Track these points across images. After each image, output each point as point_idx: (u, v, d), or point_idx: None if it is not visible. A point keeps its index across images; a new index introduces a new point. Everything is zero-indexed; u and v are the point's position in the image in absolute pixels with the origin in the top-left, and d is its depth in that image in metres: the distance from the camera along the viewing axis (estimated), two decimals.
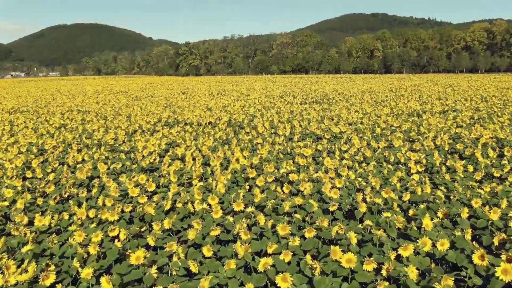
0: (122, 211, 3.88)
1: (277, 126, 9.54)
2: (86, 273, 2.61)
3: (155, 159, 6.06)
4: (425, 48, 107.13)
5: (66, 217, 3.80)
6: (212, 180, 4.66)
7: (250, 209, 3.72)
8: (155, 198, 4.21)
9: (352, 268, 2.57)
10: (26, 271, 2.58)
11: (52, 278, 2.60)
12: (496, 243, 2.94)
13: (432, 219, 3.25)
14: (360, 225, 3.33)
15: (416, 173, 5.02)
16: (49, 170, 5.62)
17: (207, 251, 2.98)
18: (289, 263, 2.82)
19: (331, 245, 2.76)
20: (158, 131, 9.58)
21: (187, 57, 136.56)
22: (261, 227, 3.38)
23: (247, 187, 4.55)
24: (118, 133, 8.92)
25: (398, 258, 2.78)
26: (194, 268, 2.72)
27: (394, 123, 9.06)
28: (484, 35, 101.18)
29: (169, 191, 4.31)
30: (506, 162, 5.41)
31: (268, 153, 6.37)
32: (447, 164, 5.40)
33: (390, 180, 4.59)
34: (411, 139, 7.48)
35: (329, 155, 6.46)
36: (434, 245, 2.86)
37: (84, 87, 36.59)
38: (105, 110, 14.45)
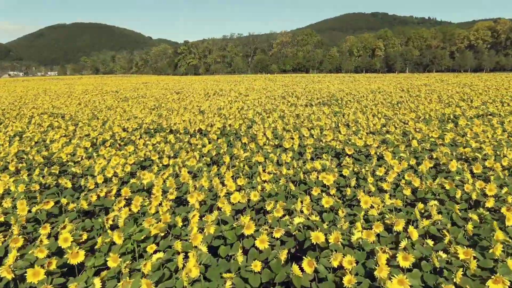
0: None
1: (281, 135, 7.65)
2: None
3: (109, 192, 4.16)
4: (428, 47, 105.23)
5: None
6: (181, 244, 2.75)
7: None
8: None
9: None
10: None
11: None
12: None
13: None
14: None
15: None
16: None
17: None
18: None
19: None
20: (134, 141, 7.69)
21: (185, 56, 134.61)
22: None
23: (240, 255, 2.66)
24: (81, 145, 7.04)
25: None
26: None
27: (429, 132, 7.18)
28: (488, 33, 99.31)
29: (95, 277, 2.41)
30: None
31: (272, 181, 4.49)
32: None
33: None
34: (463, 157, 5.59)
35: (358, 182, 4.58)
36: None
37: (74, 87, 34.68)
38: (83, 113, 12.55)
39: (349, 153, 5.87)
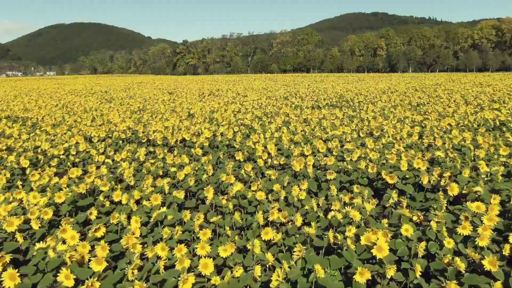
0: None
1: (288, 149, 5.75)
2: None
3: None
4: (431, 46, 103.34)
5: None
6: None
7: None
8: None
9: None
10: None
11: None
12: None
13: None
14: None
15: None
16: None
17: None
18: None
19: None
20: (91, 157, 5.79)
21: (184, 56, 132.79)
22: None
23: None
24: (21, 162, 5.16)
25: None
26: None
27: (488, 145, 5.27)
28: (492, 32, 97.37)
29: None
30: None
31: (281, 244, 2.60)
32: None
33: None
34: None
35: (428, 250, 2.67)
36: None
37: (65, 87, 32.75)
38: (50, 118, 10.63)
39: (391, 182, 3.96)
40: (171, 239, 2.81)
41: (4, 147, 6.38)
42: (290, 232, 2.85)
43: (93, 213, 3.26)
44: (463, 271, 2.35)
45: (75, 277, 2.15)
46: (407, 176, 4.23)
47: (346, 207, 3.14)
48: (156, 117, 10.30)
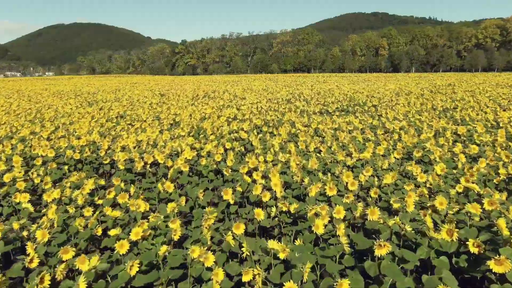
0: None
1: (301, 184, 3.94)
2: None
3: None
4: (433, 46, 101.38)
5: None
6: None
7: None
8: None
9: None
10: None
11: None
12: None
13: None
14: None
15: None
16: None
17: None
18: None
19: None
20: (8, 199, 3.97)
21: (183, 56, 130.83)
22: None
23: None
24: None
25: None
26: None
27: None
28: (497, 32, 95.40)
29: None
30: None
31: None
32: None
33: None
34: None
35: None
36: None
37: (53, 88, 30.94)
38: (5, 127, 8.80)
39: (500, 270, 2.14)
40: None
41: None
42: None
43: None
44: None
45: None
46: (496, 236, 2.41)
47: None
48: (133, 126, 8.49)
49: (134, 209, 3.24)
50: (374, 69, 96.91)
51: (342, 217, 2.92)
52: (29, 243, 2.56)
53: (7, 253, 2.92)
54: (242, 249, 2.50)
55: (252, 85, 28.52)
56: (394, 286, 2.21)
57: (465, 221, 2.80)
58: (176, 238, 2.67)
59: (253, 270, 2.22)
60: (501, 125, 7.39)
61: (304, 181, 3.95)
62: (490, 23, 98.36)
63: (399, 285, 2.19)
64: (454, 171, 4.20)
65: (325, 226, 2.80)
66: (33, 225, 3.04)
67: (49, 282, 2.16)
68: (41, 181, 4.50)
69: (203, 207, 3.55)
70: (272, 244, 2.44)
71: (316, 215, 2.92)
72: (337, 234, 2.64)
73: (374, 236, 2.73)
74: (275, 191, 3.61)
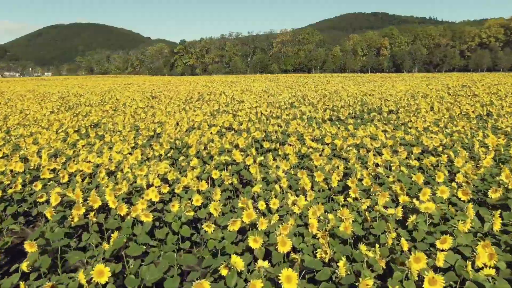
0: None
1: (330, 265, 2.25)
2: None
3: None
4: (436, 45, 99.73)
5: None
6: None
7: None
8: None
9: None
10: None
11: None
12: None
13: None
14: None
15: None
16: None
17: None
18: None
19: None
20: None
21: (182, 56, 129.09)
22: None
23: None
24: None
25: None
26: None
27: None
28: (501, 31, 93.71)
29: None
30: None
31: None
32: None
33: None
34: None
35: None
36: None
37: (39, 89, 29.25)
38: None
39: None
40: None
41: None
42: None
43: None
44: None
45: None
46: None
47: None
48: (103, 139, 6.80)
49: None
50: (376, 69, 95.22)
51: None
52: None
53: None
54: None
55: (251, 86, 26.83)
56: None
57: None
58: None
59: None
60: None
61: (333, 257, 2.28)
62: (494, 22, 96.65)
63: None
64: None
65: None
66: None
67: None
68: None
69: None
70: None
71: None
72: None
73: None
74: None
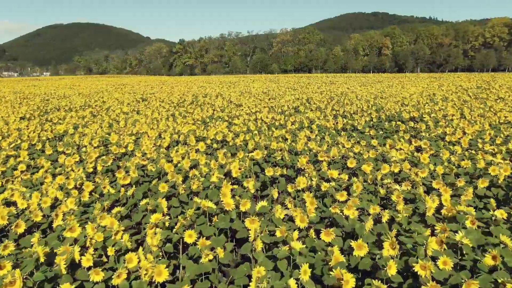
0: None
1: None
2: None
3: None
4: (439, 45, 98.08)
5: None
6: None
7: None
8: None
9: None
10: None
11: None
12: None
13: None
14: None
15: None
16: None
17: None
18: None
19: None
20: None
21: (181, 56, 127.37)
22: None
23: None
24: None
25: None
26: None
27: None
28: (504, 30, 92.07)
29: None
30: None
31: None
32: None
33: None
34: None
35: None
36: None
37: (25, 90, 27.64)
38: None
39: None
40: None
41: None
42: None
43: None
44: None
45: None
46: None
47: None
48: (54, 164, 5.20)
49: None
50: (379, 69, 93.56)
51: None
52: None
53: None
54: None
55: (251, 87, 25.21)
56: None
57: None
58: None
59: None
60: None
61: None
62: (498, 21, 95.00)
63: None
64: None
65: None
66: None
67: None
68: None
69: None
70: None
71: None
72: None
73: None
74: None
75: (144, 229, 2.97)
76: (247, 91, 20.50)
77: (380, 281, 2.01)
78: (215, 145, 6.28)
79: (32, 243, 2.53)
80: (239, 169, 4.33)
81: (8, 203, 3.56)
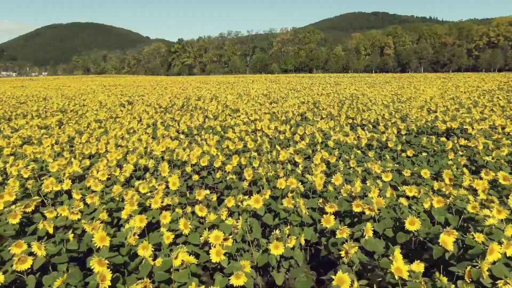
0: None
1: None
2: None
3: None
4: (442, 44, 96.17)
5: None
6: None
7: None
8: None
9: None
10: None
11: None
12: None
13: None
14: None
15: None
16: None
17: None
18: None
19: None
20: None
21: (180, 56, 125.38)
22: None
23: None
24: None
25: None
26: None
27: None
28: (509, 29, 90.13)
29: None
30: None
31: None
32: None
33: None
34: None
35: None
36: None
37: (7, 93, 25.78)
38: None
39: None
40: None
41: None
42: None
43: None
44: None
45: None
46: None
47: None
48: None
49: None
50: (382, 69, 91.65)
51: None
52: None
53: None
54: None
55: (250, 88, 23.31)
56: None
57: None
58: None
59: None
60: None
61: None
62: (502, 20, 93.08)
63: None
64: None
65: None
66: None
67: None
68: None
69: None
70: None
71: None
72: None
73: None
74: None
75: None
76: (246, 93, 18.63)
77: None
78: (195, 177, 4.40)
79: None
80: (226, 241, 2.46)
81: None
